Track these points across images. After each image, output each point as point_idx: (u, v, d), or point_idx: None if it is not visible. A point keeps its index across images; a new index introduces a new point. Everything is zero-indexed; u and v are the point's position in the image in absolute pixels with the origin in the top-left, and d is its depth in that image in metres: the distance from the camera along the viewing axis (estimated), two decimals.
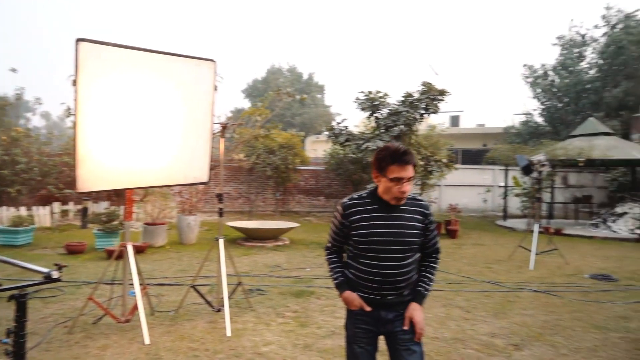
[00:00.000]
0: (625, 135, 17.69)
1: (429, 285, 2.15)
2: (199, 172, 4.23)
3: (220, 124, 4.60)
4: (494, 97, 64.95)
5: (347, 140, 11.76)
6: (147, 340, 3.62)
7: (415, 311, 2.09)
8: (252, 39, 69.82)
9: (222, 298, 4.20)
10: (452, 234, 10.69)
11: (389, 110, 11.29)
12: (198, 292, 4.49)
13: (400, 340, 2.07)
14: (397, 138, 10.89)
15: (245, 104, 38.03)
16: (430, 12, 74.79)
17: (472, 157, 23.42)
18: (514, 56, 68.59)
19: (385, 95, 11.37)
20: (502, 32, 71.78)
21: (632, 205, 12.31)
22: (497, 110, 62.38)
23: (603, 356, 3.67)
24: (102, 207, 10.42)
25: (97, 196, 10.91)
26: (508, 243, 9.53)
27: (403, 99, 11.20)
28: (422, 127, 12.62)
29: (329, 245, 2.26)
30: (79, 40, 3.13)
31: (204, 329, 4.04)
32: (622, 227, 11.86)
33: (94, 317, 4.14)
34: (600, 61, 20.73)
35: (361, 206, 2.07)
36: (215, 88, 4.27)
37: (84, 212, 10.43)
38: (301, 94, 14.16)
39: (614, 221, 12.24)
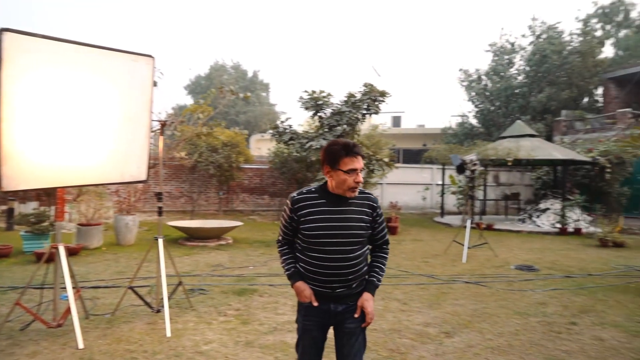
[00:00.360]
0: (549, 137, 19.16)
1: (380, 275, 2.21)
2: (137, 170, 4.12)
3: (159, 121, 4.50)
4: (433, 99, 67.68)
5: (291, 139, 11.84)
6: (80, 345, 3.49)
7: (366, 301, 2.14)
8: (196, 35, 68.04)
9: (162, 299, 4.13)
10: (392, 231, 11.07)
11: (333, 110, 11.49)
12: (136, 293, 4.38)
13: (345, 328, 2.13)
14: (340, 137, 11.10)
15: (188, 101, 37.05)
16: (373, 15, 76.58)
17: (413, 157, 24.33)
18: (452, 60, 71.87)
19: (329, 95, 11.55)
20: (441, 37, 74.94)
21: (554, 202, 13.38)
22: (436, 111, 65.05)
23: (523, 339, 4.00)
24: (30, 207, 9.77)
25: (24, 196, 10.22)
26: (444, 238, 10.03)
27: (346, 99, 11.44)
28: (364, 127, 12.96)
29: (280, 238, 2.28)
30: (3, 30, 2.96)
31: (143, 330, 3.95)
32: (544, 222, 12.86)
33: (22, 323, 3.92)
34: (527, 68, 22.30)
35: (310, 200, 2.12)
36: (155, 84, 4.19)
37: (9, 213, 9.74)
38: (245, 92, 14.07)
39: (538, 216, 13.24)
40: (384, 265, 2.26)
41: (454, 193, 14.66)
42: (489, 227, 12.37)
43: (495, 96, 22.89)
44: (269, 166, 14.79)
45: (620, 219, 11.61)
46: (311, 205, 2.11)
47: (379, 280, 2.21)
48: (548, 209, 13.27)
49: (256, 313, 4.53)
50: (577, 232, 11.79)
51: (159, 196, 4.39)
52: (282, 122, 12.33)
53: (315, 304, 2.10)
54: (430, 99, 66.27)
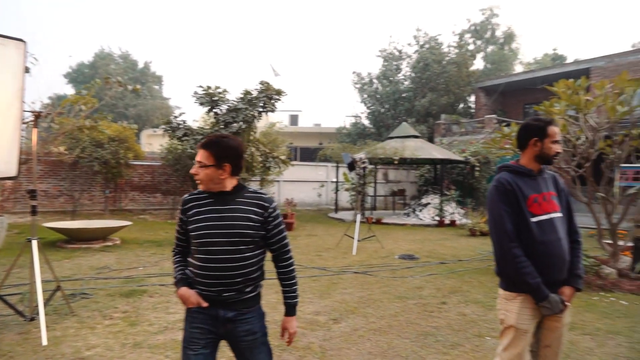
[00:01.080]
0: (430, 138, 21.03)
1: (293, 293, 2.12)
2: (5, 165, 3.75)
3: (33, 111, 4.13)
4: (330, 99, 69.95)
5: (185, 134, 11.48)
6: None
7: (288, 323, 2.10)
8: (79, 20, 61.83)
9: (37, 306, 3.81)
10: (288, 227, 11.32)
11: (229, 106, 11.38)
12: (5, 301, 3.97)
13: (243, 341, 2.00)
14: (237, 134, 11.05)
15: (69, 91, 33.69)
16: (273, 15, 76.76)
17: (310, 155, 24.99)
18: (348, 62, 75.04)
19: (225, 91, 11.42)
20: (338, 40, 77.83)
21: (434, 197, 14.79)
22: (332, 111, 67.36)
23: (401, 319, 4.45)
24: None
25: None
26: (337, 233, 10.54)
27: (242, 96, 11.41)
28: (261, 125, 13.03)
29: (174, 245, 2.17)
30: None
31: (14, 341, 3.61)
32: (426, 215, 14.16)
33: None
34: (413, 74, 24.19)
35: (198, 200, 2.02)
36: (27, 70, 3.84)
37: None
38: (135, 84, 13.25)
39: (420, 210, 14.52)
40: (292, 280, 2.13)
41: (347, 190, 15.42)
42: (378, 221, 13.26)
43: (385, 99, 24.47)
44: (162, 163, 14.13)
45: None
46: (198, 205, 2.00)
47: (295, 298, 2.12)
48: (429, 203, 14.63)
49: (145, 314, 4.39)
50: (452, 223, 13.19)
51: (32, 194, 4.03)
52: (176, 117, 11.89)
53: (205, 304, 1.95)
54: (327, 99, 68.46)
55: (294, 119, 32.41)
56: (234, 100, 11.43)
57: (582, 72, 18.02)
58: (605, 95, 5.67)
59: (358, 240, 8.46)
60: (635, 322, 4.46)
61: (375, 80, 25.47)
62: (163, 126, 11.81)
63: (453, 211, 14.02)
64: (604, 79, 5.71)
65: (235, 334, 1.99)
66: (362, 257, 7.81)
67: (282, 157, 12.29)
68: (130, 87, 11.72)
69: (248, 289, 2.00)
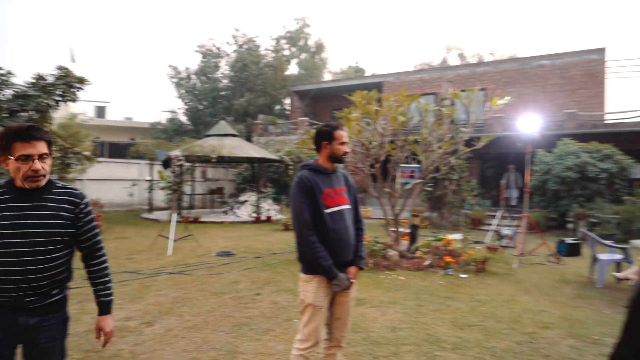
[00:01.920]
0: (248, 137, 21.56)
1: (108, 290, 2.04)
2: None
3: None
4: (143, 91, 65.01)
5: None
6: None
7: (104, 322, 2.02)
8: None
9: None
10: None
11: (15, 91, 9.67)
12: None
13: (41, 348, 1.86)
14: None
15: None
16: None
17: (120, 151, 22.88)
18: (163, 55, 70.84)
19: (9, 73, 9.66)
20: (152, 29, 72.71)
21: (251, 195, 15.26)
22: (145, 105, 62.80)
23: (216, 314, 4.56)
24: None
25: None
26: (152, 234, 9.99)
27: (34, 81, 9.84)
28: (60, 116, 11.43)
29: None
30: None
31: None
32: (243, 213, 14.52)
33: None
34: (232, 73, 24.37)
35: None
36: None
37: None
38: None
39: (238, 208, 14.81)
40: (106, 276, 2.06)
41: (162, 189, 14.67)
42: (196, 220, 13.03)
43: (204, 96, 24.06)
44: None
45: None
46: None
47: (110, 295, 2.05)
48: (247, 201, 15.03)
49: None
50: (269, 219, 13.84)
51: None
52: None
53: None
54: (140, 91, 63.47)
55: (100, 111, 29.20)
56: (23, 85, 9.77)
57: (377, 85, 20.96)
58: (389, 107, 6.79)
59: (174, 240, 8.22)
60: (408, 293, 5.51)
61: (193, 76, 24.80)
62: None
63: (269, 208, 14.70)
64: (393, 92, 6.84)
65: (36, 341, 1.84)
66: (179, 257, 7.63)
67: (86, 153, 11.01)
68: None
69: (54, 292, 1.88)
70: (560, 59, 17.33)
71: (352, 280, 2.63)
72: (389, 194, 7.65)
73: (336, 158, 2.68)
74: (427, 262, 6.98)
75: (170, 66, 24.75)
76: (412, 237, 7.81)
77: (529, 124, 7.77)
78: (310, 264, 2.57)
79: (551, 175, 12.31)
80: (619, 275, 5.97)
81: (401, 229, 8.07)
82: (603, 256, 6.39)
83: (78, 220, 1.92)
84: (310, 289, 2.57)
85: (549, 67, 17.51)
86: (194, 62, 51.74)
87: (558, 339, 4.04)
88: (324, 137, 2.68)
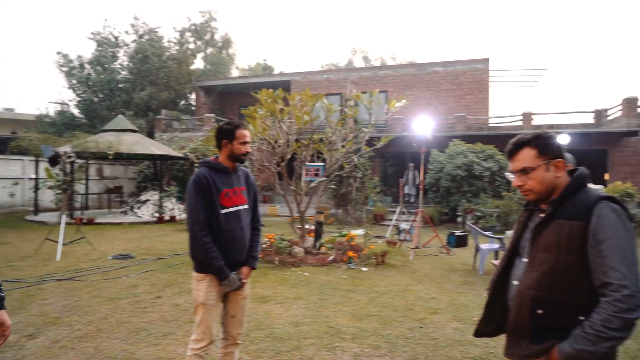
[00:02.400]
0: (151, 134, 20.46)
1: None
2: None
3: None
4: (27, 80, 58.28)
5: None
6: None
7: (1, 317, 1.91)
8: None
9: None
10: None
11: None
12: None
13: None
14: None
15: None
16: None
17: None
18: (51, 40, 63.98)
19: None
20: (37, 11, 65.31)
21: (153, 193, 14.51)
22: (30, 95, 56.39)
23: (112, 321, 4.29)
24: None
25: None
26: (37, 238, 9.07)
27: None
28: None
29: None
30: None
31: None
32: (145, 212, 13.76)
33: None
34: (131, 65, 22.89)
35: None
36: None
37: None
38: None
39: (139, 207, 14.00)
40: None
41: (51, 188, 13.36)
42: (90, 222, 12.08)
43: (99, 87, 22.30)
44: None
45: None
46: None
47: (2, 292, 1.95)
48: (148, 200, 14.26)
49: None
50: (172, 219, 13.28)
51: None
52: None
53: None
54: (23, 79, 56.89)
55: None
56: None
57: (285, 83, 21.11)
58: (294, 106, 6.91)
59: (63, 244, 7.55)
60: (312, 288, 5.68)
61: (87, 65, 22.86)
62: None
63: (173, 207, 14.11)
64: (301, 90, 6.94)
65: None
66: (69, 263, 7.03)
67: None
68: None
69: None
70: (452, 66, 18.93)
71: (243, 281, 2.65)
72: (294, 191, 7.79)
73: (236, 157, 2.65)
74: (331, 258, 7.23)
75: (59, 53, 22.54)
76: (317, 234, 8.03)
77: (423, 125, 8.41)
78: (202, 263, 2.55)
79: (444, 173, 13.41)
80: (495, 262, 6.73)
81: (307, 226, 8.26)
82: (484, 246, 7.15)
83: None
84: (201, 287, 2.55)
85: (442, 73, 19.03)
86: (88, 50, 47.69)
87: (445, 322, 4.45)
88: (225, 135, 2.62)
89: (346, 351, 3.66)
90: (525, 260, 1.61)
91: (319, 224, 8.14)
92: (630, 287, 1.33)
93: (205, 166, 2.62)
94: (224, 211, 2.55)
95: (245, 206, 2.70)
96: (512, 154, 1.65)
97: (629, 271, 1.35)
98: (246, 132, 2.66)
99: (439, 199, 13.99)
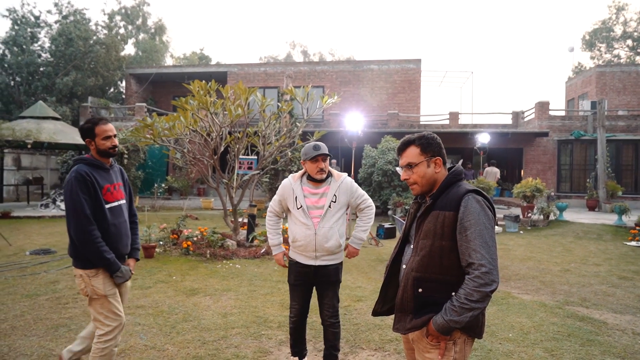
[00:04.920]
0: (76, 122, 19.28)
1: None
2: None
3: None
4: None
5: None
6: None
7: None
8: None
9: None
10: None
11: None
12: None
13: None
14: None
15: None
16: None
17: None
18: None
19: None
20: None
21: None
22: None
23: (28, 318, 4.12)
24: None
25: None
26: None
27: None
28: None
29: None
30: None
31: None
32: None
33: None
34: (53, 47, 21.35)
35: None
36: None
37: None
38: None
39: (62, 200, 13.19)
40: None
41: None
42: (6, 215, 11.24)
43: (16, 70, 20.60)
44: None
45: (136, 198, 13.40)
46: None
47: None
48: None
49: None
50: None
51: None
52: None
53: None
54: None
55: None
56: None
57: (222, 74, 20.73)
58: (227, 99, 6.90)
59: None
60: (242, 280, 5.76)
61: (1, 45, 20.98)
62: None
63: None
64: (237, 82, 6.91)
65: None
66: None
67: None
68: None
69: None
70: (386, 65, 19.60)
71: (132, 272, 2.77)
72: (227, 184, 7.78)
73: (104, 153, 2.68)
74: (263, 250, 7.33)
75: None
76: (250, 227, 8.09)
77: (354, 122, 8.71)
78: (91, 258, 2.55)
79: (376, 168, 13.93)
80: None
81: (240, 219, 8.29)
82: None
83: None
84: (98, 282, 2.57)
85: (377, 71, 19.65)
86: (1, 28, 43.61)
87: (367, 309, 4.73)
88: (86, 134, 2.66)
89: (272, 339, 3.81)
90: (411, 246, 1.84)
91: (252, 217, 8.20)
92: (487, 265, 1.59)
93: (83, 163, 2.63)
94: (108, 206, 2.62)
95: (124, 201, 2.80)
96: (400, 151, 1.88)
97: (487, 252, 1.61)
98: (107, 127, 2.68)
99: (371, 193, 14.51)
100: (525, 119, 18.02)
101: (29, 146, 11.73)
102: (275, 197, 3.27)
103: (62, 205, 13.00)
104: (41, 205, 13.50)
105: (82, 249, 2.53)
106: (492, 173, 14.74)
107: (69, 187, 2.51)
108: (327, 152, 2.99)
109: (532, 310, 4.74)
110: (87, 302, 2.65)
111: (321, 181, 3.03)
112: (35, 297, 4.77)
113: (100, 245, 2.51)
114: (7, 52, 20.95)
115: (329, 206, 2.99)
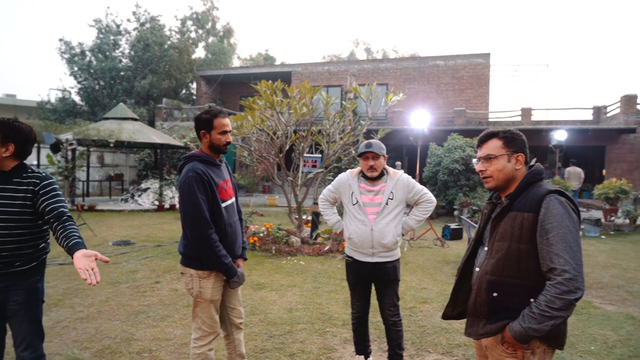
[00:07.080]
0: (152, 122, 20.55)
1: (77, 235, 2.01)
2: None
3: None
4: (28, 67, 58.17)
5: None
6: None
7: (79, 258, 1.88)
8: None
9: None
10: None
11: None
12: None
13: (9, 310, 2.18)
14: None
15: None
16: None
17: None
18: (53, 26, 63.74)
19: None
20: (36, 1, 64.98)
21: (154, 182, 14.65)
22: (31, 81, 56.32)
23: (112, 304, 4.47)
24: None
25: None
26: None
27: None
28: None
29: None
30: None
31: None
32: (145, 200, 13.92)
33: None
34: (132, 53, 22.91)
35: None
36: None
37: None
38: None
39: (140, 195, 14.15)
40: (76, 230, 2.07)
41: (52, 174, 13.51)
42: (92, 209, 12.24)
43: (100, 75, 22.34)
44: None
45: None
46: None
47: (80, 239, 2.05)
48: (149, 188, 14.40)
49: None
50: (172, 207, 13.43)
51: None
52: None
53: None
54: (26, 66, 56.73)
55: None
56: None
57: (286, 74, 21.14)
58: (293, 98, 7.02)
59: None
60: (307, 276, 5.84)
61: (88, 53, 22.87)
62: None
63: (173, 195, 14.25)
64: (302, 82, 7.02)
65: (4, 303, 2.18)
66: None
67: None
68: None
69: (18, 263, 2.16)
70: (452, 60, 18.95)
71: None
72: (292, 182, 7.92)
73: (217, 148, 2.49)
74: (327, 248, 7.38)
75: (61, 40, 22.55)
76: (314, 224, 8.17)
77: (419, 119, 8.51)
78: (207, 262, 2.42)
79: (441, 167, 13.53)
80: None
81: (305, 217, 8.41)
82: None
83: (38, 197, 2.17)
84: (207, 285, 2.45)
85: (443, 67, 19.06)
86: (89, 37, 47.48)
87: (433, 311, 4.60)
88: (203, 125, 2.46)
89: (337, 336, 3.82)
90: (486, 249, 1.75)
91: (316, 215, 8.28)
92: (571, 271, 1.48)
93: (197, 160, 2.44)
94: (224, 205, 2.47)
95: (234, 198, 2.65)
96: (481, 142, 1.80)
97: (571, 257, 1.49)
98: (225, 121, 2.48)
99: (436, 192, 14.12)
100: (609, 114, 16.64)
101: (112, 145, 12.69)
102: (329, 187, 3.16)
103: (139, 200, 13.95)
104: (121, 199, 14.56)
105: (199, 252, 2.38)
106: (575, 173, 13.58)
107: (186, 187, 2.34)
108: (377, 151, 2.83)
109: (617, 322, 4.36)
110: (192, 303, 2.53)
111: (377, 179, 2.94)
112: (117, 285, 5.15)
113: (219, 250, 2.37)
114: (92, 59, 22.78)
115: (386, 203, 2.89)
